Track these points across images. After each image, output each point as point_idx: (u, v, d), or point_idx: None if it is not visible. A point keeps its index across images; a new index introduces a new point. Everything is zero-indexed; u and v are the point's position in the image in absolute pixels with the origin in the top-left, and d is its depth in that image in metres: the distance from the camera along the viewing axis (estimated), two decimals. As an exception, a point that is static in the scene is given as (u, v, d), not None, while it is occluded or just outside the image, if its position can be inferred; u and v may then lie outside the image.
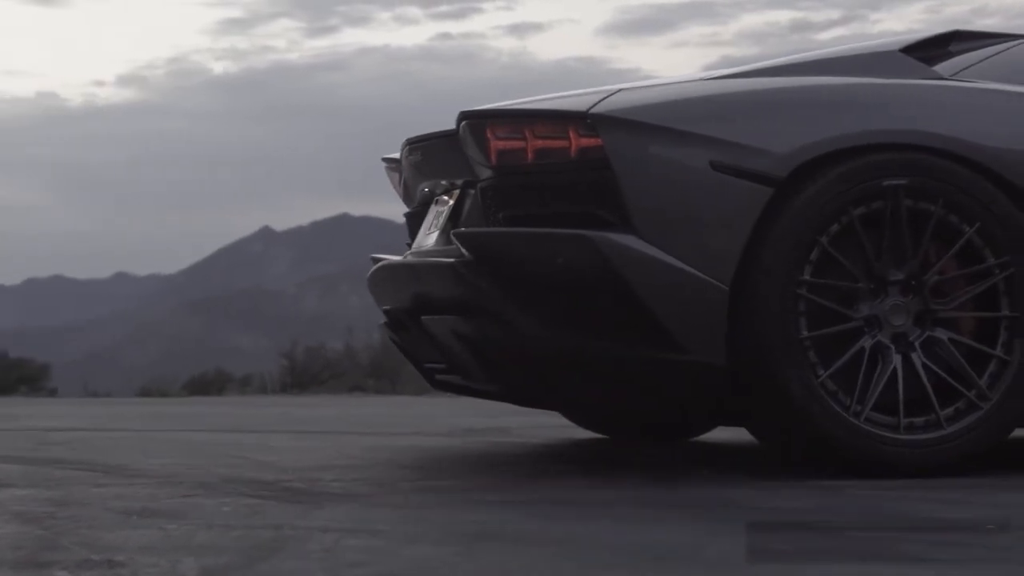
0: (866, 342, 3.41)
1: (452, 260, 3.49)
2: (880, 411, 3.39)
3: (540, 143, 3.40)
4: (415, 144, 4.01)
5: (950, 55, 3.85)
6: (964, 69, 3.77)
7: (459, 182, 3.79)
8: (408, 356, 4.25)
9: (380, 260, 4.17)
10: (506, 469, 3.88)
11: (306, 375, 13.16)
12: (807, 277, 3.37)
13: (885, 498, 3.06)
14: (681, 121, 3.42)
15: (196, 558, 2.24)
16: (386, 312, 4.13)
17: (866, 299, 3.44)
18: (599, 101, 3.42)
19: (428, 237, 3.96)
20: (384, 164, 4.51)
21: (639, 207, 3.33)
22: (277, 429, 5.52)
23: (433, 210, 4.01)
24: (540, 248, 3.36)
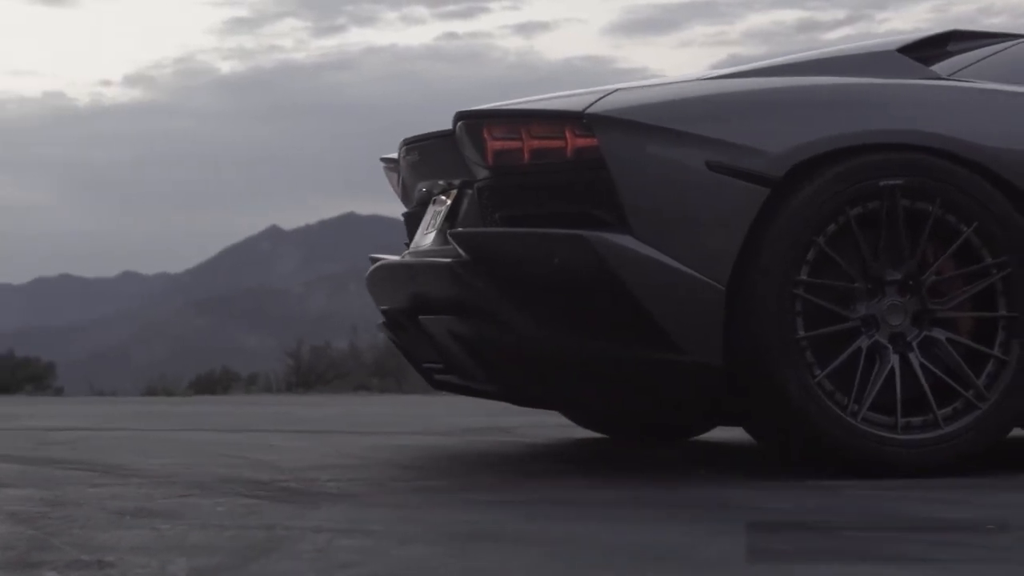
0: (863, 342, 3.41)
1: (449, 260, 3.49)
2: (878, 411, 3.39)
3: (536, 143, 3.40)
4: (412, 144, 4.00)
5: (948, 55, 3.85)
6: (962, 69, 3.77)
7: (457, 182, 3.78)
8: (407, 356, 4.25)
9: (378, 260, 4.17)
10: (505, 469, 3.88)
11: (311, 374, 13.16)
12: (804, 277, 3.36)
13: (885, 498, 3.05)
14: (677, 121, 3.41)
15: (188, 558, 2.24)
16: (384, 312, 4.13)
17: (863, 299, 3.43)
18: (595, 101, 3.41)
19: (426, 237, 3.96)
20: (383, 164, 4.50)
21: (635, 207, 3.32)
22: (278, 429, 5.52)
23: (431, 210, 4.01)
24: (536, 248, 3.36)
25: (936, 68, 3.77)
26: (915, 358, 3.42)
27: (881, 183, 3.38)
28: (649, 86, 3.71)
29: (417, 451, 4.39)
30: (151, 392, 12.26)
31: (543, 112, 3.47)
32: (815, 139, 3.39)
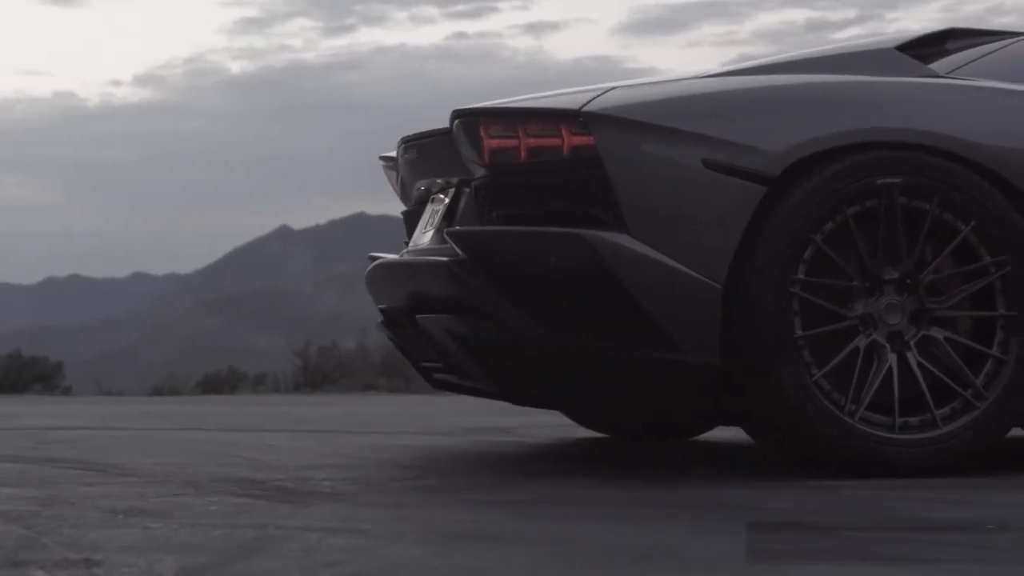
0: (861, 341, 3.40)
1: (446, 259, 3.48)
2: (876, 410, 3.38)
3: (533, 141, 3.39)
4: (411, 142, 4.00)
5: (946, 53, 3.83)
6: (960, 67, 3.75)
7: (455, 180, 3.78)
8: (406, 355, 4.24)
9: (377, 258, 4.16)
10: (505, 468, 3.87)
11: (319, 374, 13.16)
12: (801, 276, 3.35)
13: (885, 498, 3.04)
14: (674, 119, 3.40)
15: (175, 557, 2.23)
16: (383, 311, 4.13)
17: (861, 298, 3.42)
18: (592, 99, 3.40)
19: (424, 236, 3.96)
20: (382, 163, 4.50)
21: (632, 205, 3.31)
22: (279, 428, 5.51)
23: (429, 208, 4.00)
24: (533, 247, 3.35)
25: (934, 66, 3.76)
26: (913, 357, 3.41)
27: (879, 181, 3.37)
28: (646, 84, 3.69)
29: (416, 451, 4.38)
30: (158, 392, 12.27)
31: (539, 110, 3.46)
32: (812, 137, 3.37)
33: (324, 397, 10.28)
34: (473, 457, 4.18)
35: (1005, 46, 3.87)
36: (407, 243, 4.23)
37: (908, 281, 3.42)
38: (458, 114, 3.53)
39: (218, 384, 13.97)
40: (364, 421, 6.14)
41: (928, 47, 3.84)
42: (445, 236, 3.51)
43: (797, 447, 3.44)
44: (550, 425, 5.30)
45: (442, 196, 3.89)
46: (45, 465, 3.77)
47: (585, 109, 3.37)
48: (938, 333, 3.43)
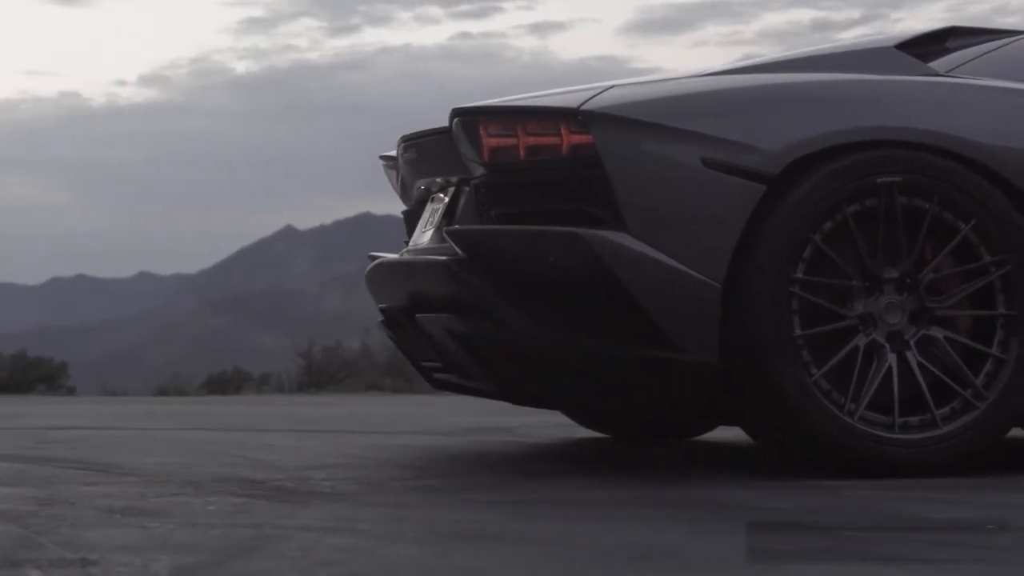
0: (860, 340, 3.39)
1: (445, 258, 3.48)
2: (875, 410, 3.37)
3: (532, 140, 3.39)
4: (411, 141, 3.99)
5: (946, 51, 3.83)
6: (960, 65, 3.75)
7: (454, 179, 3.77)
8: (406, 354, 4.24)
9: (377, 258, 4.16)
10: (505, 468, 3.87)
11: (323, 374, 13.17)
12: (800, 275, 3.34)
13: (885, 498, 3.04)
14: (673, 118, 3.39)
15: (172, 557, 2.23)
16: (383, 310, 4.13)
17: (860, 297, 3.41)
18: (591, 98, 3.40)
19: (423, 235, 3.96)
20: (382, 163, 4.50)
21: (631, 204, 3.31)
22: (282, 428, 5.51)
23: (429, 207, 4.00)
24: (532, 246, 3.35)
25: (934, 65, 3.75)
26: (913, 357, 3.40)
27: (879, 180, 3.36)
28: (645, 83, 3.69)
29: (417, 451, 4.38)
30: (163, 392, 12.29)
31: (539, 109, 3.46)
32: (812, 136, 3.37)
33: (328, 397, 10.29)
34: (473, 457, 4.18)
35: (1005, 45, 3.87)
36: (407, 242, 4.23)
37: (908, 280, 3.42)
38: (457, 113, 3.52)
39: (223, 384, 13.98)
40: (366, 421, 6.14)
41: (928, 46, 3.83)
42: (444, 235, 3.51)
43: (797, 447, 3.44)
44: (550, 425, 5.30)
45: (442, 195, 3.88)
46: (45, 464, 3.77)
47: (584, 108, 3.36)
48: (938, 332, 3.43)
